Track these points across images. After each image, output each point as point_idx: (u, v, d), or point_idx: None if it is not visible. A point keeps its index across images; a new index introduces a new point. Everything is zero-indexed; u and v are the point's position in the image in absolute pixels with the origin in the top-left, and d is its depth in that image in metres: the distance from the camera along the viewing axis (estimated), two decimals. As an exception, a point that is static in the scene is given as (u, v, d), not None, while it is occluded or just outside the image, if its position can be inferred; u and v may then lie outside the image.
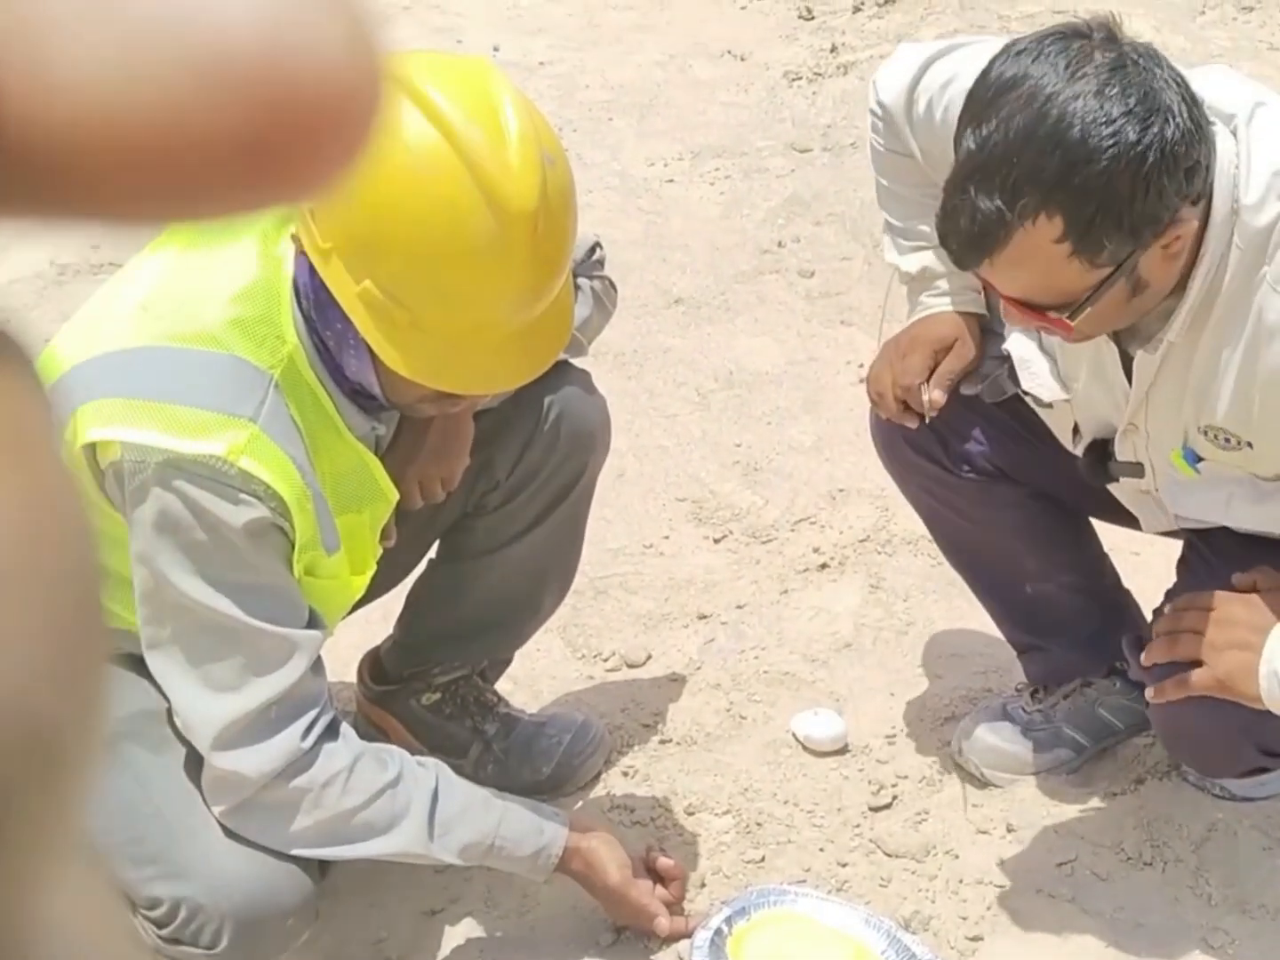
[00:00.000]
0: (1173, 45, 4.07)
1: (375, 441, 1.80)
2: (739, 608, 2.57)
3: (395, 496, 1.82)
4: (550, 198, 1.56)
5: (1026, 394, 1.99)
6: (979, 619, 2.38)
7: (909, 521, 2.51)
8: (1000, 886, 2.09)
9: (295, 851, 1.75)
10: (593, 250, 2.03)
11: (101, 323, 1.69)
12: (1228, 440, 1.80)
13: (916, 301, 2.09)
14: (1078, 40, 1.60)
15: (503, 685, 2.28)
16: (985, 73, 1.63)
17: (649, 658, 2.48)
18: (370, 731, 2.17)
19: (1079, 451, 2.01)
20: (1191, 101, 1.60)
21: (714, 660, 2.47)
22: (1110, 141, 1.54)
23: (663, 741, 2.32)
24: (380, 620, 2.24)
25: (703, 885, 2.09)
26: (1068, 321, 1.66)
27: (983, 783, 2.25)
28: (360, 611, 1.99)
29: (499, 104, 1.56)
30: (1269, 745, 2.05)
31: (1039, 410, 2.04)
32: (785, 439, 2.96)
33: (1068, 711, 2.26)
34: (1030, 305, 1.67)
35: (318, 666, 1.73)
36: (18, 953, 0.37)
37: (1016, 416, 2.09)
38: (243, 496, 1.61)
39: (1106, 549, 2.27)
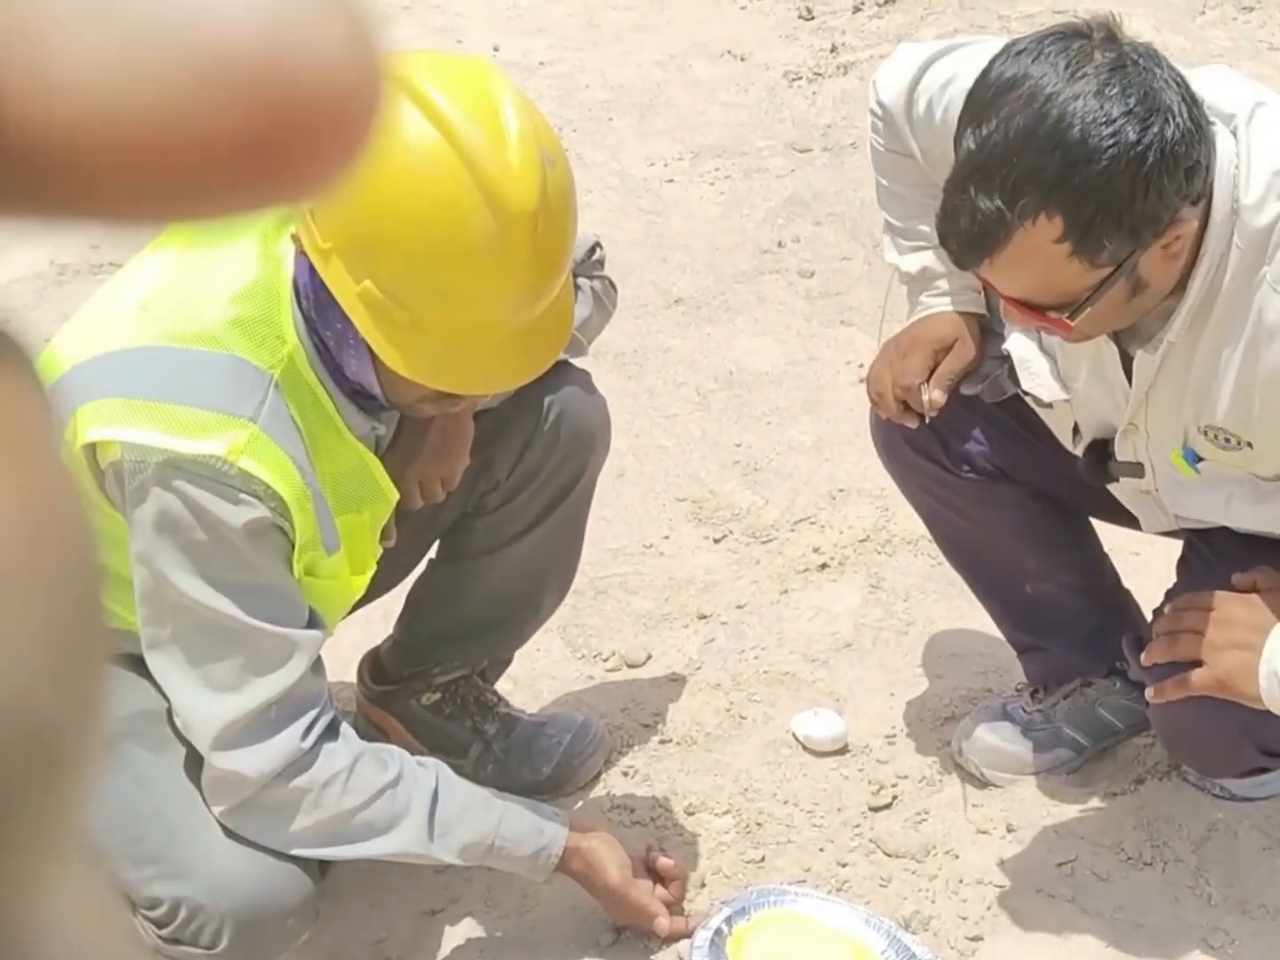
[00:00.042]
0: (1173, 45, 4.07)
1: (375, 441, 1.80)
2: (739, 608, 2.57)
3: (395, 496, 1.82)
4: (550, 198, 1.56)
5: (1026, 394, 1.99)
6: (979, 619, 2.38)
7: (909, 521, 2.51)
8: (1000, 886, 2.09)
9: (295, 851, 1.75)
10: (593, 250, 2.03)
11: (101, 323, 1.69)
12: (1228, 440, 1.80)
13: (916, 301, 2.09)
14: (1078, 40, 1.60)
15: (503, 685, 2.28)
16: (985, 73, 1.63)
17: (649, 658, 2.48)
18: (370, 731, 2.16)
19: (1079, 451, 2.01)
20: (1191, 101, 1.60)
21: (714, 660, 2.47)
22: (1110, 141, 1.54)
23: (663, 741, 2.32)
24: (380, 620, 2.24)
25: (703, 885, 2.09)
26: (1068, 321, 1.66)
27: (983, 783, 2.25)
28: (360, 611, 1.99)
29: (499, 104, 1.56)
30: (1269, 745, 2.05)
31: (1039, 410, 2.03)
32: (785, 439, 2.96)
33: (1068, 711, 2.26)
34: (1030, 305, 1.67)
35: (318, 666, 1.73)
36: (18, 953, 0.37)
37: (1016, 416, 2.09)
38: (243, 496, 1.61)
39: (1106, 549, 2.26)
